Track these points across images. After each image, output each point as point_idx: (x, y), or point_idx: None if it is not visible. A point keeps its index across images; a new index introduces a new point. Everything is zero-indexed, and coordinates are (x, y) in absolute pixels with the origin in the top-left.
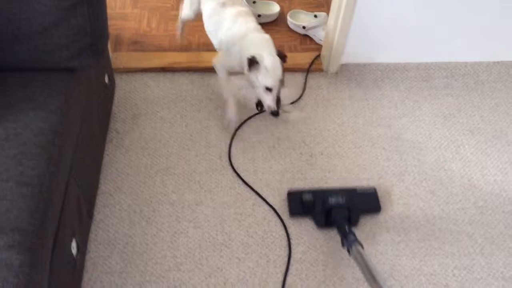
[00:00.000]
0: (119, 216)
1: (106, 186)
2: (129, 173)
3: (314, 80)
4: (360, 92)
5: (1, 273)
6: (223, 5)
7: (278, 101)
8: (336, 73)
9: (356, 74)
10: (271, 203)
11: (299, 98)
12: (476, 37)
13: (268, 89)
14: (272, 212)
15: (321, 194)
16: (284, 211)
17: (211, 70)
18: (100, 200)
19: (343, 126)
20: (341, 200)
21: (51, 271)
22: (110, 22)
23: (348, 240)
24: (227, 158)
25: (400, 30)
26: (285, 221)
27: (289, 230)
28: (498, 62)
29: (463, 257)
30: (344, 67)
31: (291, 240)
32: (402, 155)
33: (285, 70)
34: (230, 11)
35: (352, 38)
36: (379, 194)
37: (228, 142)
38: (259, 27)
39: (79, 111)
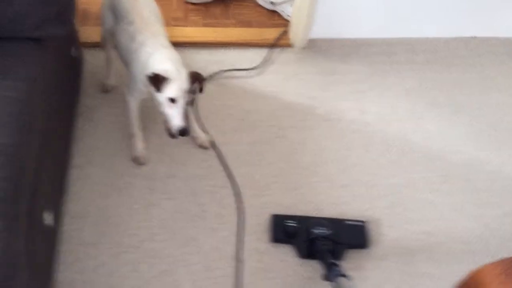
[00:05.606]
0: (92, 189)
1: (77, 159)
2: (100, 147)
3: (283, 55)
4: (328, 66)
5: None
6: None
7: (186, 118)
8: (304, 48)
9: (323, 49)
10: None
11: (259, 63)
12: (435, 13)
13: (172, 101)
14: None
15: (305, 223)
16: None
17: (181, 44)
18: (72, 173)
19: (312, 100)
20: (326, 231)
21: (27, 240)
22: None
23: (333, 273)
24: None
25: (365, 5)
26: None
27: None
28: (456, 38)
29: (425, 222)
30: (312, 42)
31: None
32: (368, 127)
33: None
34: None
35: (320, 14)
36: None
37: (199, 115)
38: (166, 44)
39: (47, 81)
